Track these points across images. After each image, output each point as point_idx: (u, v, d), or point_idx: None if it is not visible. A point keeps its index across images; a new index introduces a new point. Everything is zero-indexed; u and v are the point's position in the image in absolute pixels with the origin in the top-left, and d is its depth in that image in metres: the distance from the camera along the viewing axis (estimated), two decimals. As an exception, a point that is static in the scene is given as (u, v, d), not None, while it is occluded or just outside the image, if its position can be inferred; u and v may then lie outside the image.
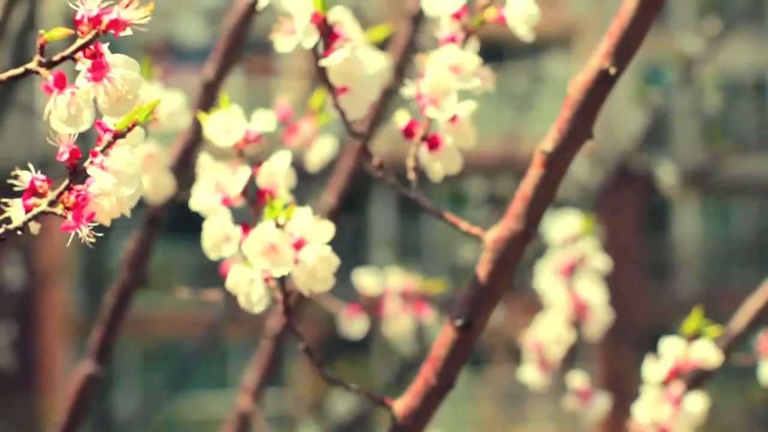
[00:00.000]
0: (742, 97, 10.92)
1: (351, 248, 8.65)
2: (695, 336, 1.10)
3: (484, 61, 0.89)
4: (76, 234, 0.61)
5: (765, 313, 1.26)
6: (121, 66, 0.61)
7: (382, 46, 1.24)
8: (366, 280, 1.46)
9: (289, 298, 0.89)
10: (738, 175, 10.62)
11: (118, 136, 0.61)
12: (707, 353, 1.10)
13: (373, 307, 1.45)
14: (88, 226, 0.60)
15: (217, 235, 0.89)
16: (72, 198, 0.62)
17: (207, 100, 1.29)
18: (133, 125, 0.61)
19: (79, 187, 0.62)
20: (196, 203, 0.91)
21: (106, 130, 0.61)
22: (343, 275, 1.49)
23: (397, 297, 1.46)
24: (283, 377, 8.92)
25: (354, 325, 1.42)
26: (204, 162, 0.90)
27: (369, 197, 9.99)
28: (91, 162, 0.62)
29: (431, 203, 0.92)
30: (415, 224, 10.21)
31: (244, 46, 1.29)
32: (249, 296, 0.86)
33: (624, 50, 0.84)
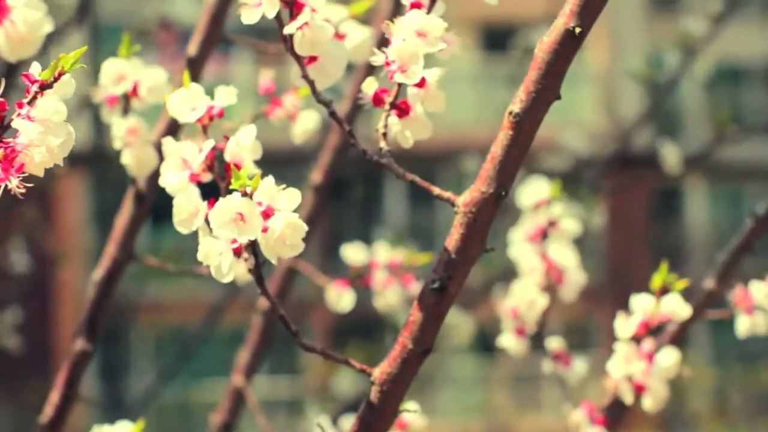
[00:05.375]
0: (752, 83, 10.88)
1: (363, 232, 8.66)
2: (665, 291, 1.11)
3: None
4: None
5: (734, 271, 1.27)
6: (22, 8, 0.61)
7: (365, 19, 1.24)
8: (352, 253, 1.46)
9: (261, 268, 0.90)
10: (748, 161, 10.58)
11: (45, 86, 0.61)
12: (676, 306, 1.10)
13: (360, 280, 1.46)
14: (18, 178, 0.60)
15: (186, 209, 0.90)
16: (0, 151, 0.61)
17: (191, 75, 1.29)
18: (60, 75, 0.61)
19: (8, 139, 0.61)
20: (164, 182, 0.92)
21: (32, 81, 0.61)
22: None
23: (383, 270, 1.47)
24: (295, 365, 8.96)
25: (341, 299, 1.43)
26: (168, 142, 0.91)
27: (382, 183, 9.99)
28: (18, 114, 0.62)
29: (403, 170, 0.93)
30: (428, 209, 10.21)
31: (224, 21, 1.29)
32: (219, 267, 0.87)
33: (589, 9, 0.84)
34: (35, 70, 0.61)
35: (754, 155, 10.56)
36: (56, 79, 0.61)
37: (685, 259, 10.45)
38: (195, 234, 0.91)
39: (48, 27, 0.69)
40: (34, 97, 0.61)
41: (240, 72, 8.87)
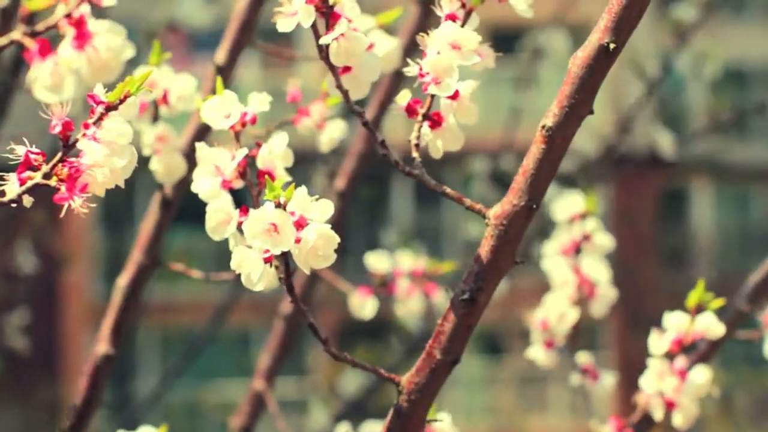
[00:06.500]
0: (757, 85, 10.87)
1: (370, 234, 8.66)
2: (699, 309, 1.11)
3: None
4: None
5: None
6: (104, 34, 0.61)
7: (392, 29, 1.25)
8: (376, 261, 1.47)
9: (292, 277, 0.90)
10: (755, 163, 10.57)
11: (111, 107, 0.62)
12: (710, 325, 1.11)
13: (384, 288, 1.47)
14: (82, 197, 0.60)
15: (219, 216, 0.90)
16: (65, 170, 0.62)
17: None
18: (125, 97, 0.61)
19: (72, 159, 0.62)
20: (196, 188, 0.92)
21: (98, 102, 0.62)
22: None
23: (406, 277, 1.48)
24: (302, 366, 8.96)
25: (365, 306, 1.44)
26: (201, 148, 0.92)
27: (388, 183, 10.00)
28: (84, 134, 0.62)
29: (435, 182, 0.93)
30: (434, 211, 10.21)
31: (254, 29, 1.29)
32: (250, 276, 0.88)
33: (623, 25, 0.84)
34: (100, 91, 0.61)
35: (761, 157, 10.55)
36: (122, 101, 0.62)
37: (691, 262, 10.44)
38: (205, 236, 0.92)
39: (130, 52, 0.70)
40: (100, 119, 0.62)
41: (248, 75, 8.87)
